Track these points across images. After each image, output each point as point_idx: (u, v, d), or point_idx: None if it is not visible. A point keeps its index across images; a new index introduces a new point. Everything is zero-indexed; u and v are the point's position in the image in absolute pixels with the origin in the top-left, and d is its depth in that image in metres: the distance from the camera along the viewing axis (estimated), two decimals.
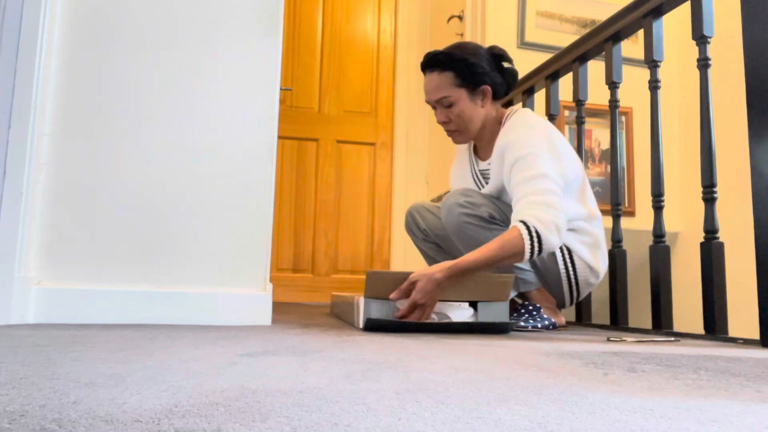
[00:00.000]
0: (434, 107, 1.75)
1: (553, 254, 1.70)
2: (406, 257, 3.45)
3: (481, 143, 1.83)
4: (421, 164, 3.61)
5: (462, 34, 3.16)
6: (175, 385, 0.63)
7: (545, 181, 1.54)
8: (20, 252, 1.39)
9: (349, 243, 3.55)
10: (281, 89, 2.21)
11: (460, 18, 3.20)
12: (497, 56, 1.73)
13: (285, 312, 2.15)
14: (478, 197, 1.68)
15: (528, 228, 1.47)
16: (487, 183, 1.79)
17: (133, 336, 1.13)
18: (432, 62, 1.70)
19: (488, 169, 1.80)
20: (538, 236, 1.46)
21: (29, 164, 1.42)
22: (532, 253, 1.47)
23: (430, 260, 2.04)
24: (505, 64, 1.75)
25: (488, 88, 1.70)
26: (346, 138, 3.62)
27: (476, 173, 1.85)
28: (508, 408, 0.56)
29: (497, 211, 1.68)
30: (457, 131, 1.75)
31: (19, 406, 0.51)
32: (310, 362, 0.84)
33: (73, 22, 1.53)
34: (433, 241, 1.97)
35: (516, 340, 1.30)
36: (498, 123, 1.77)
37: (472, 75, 1.68)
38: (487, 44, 3.03)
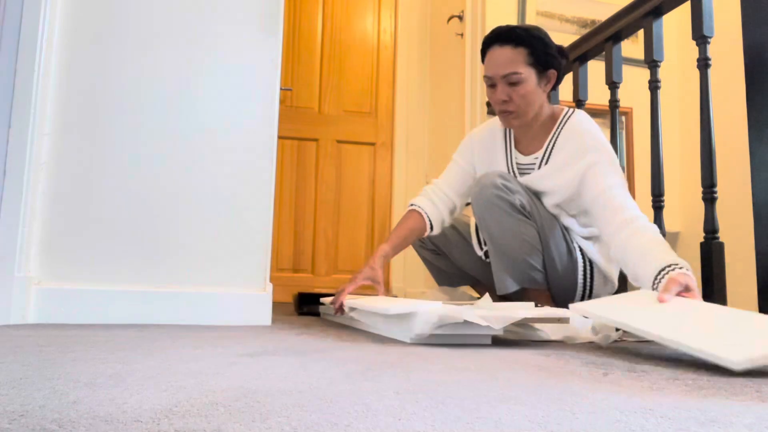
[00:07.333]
0: (493, 84, 1.62)
1: (575, 266, 1.65)
2: (405, 258, 3.45)
3: (527, 136, 1.71)
4: (421, 164, 3.60)
5: (462, 34, 3.16)
6: (175, 385, 0.63)
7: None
8: (20, 252, 1.39)
9: (349, 243, 3.55)
10: (281, 89, 2.21)
11: (460, 18, 3.20)
12: (559, 47, 1.67)
13: (285, 312, 2.15)
14: (515, 184, 1.63)
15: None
16: (521, 177, 1.72)
17: (133, 336, 1.13)
18: (507, 36, 1.59)
19: (530, 164, 1.71)
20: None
21: (29, 164, 1.42)
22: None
23: (431, 266, 2.01)
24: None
25: (555, 73, 1.63)
26: (346, 138, 3.62)
27: (513, 166, 1.75)
28: (508, 408, 0.56)
29: (529, 203, 1.63)
30: (514, 113, 1.62)
31: (19, 406, 0.51)
32: (310, 362, 0.84)
33: (73, 22, 1.53)
34: (431, 248, 1.95)
35: (516, 340, 1.30)
36: (551, 119, 1.69)
37: (546, 56, 1.60)
38: None
